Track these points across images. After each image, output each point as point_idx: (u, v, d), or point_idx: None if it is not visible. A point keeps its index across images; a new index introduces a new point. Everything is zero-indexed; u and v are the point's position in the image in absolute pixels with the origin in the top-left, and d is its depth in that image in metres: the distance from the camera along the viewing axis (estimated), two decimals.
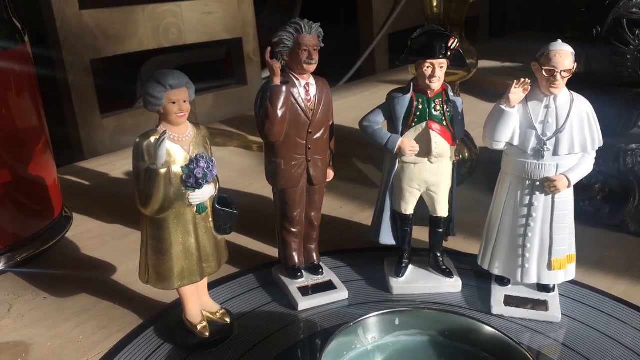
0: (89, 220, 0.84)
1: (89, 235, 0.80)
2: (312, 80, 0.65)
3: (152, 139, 0.54)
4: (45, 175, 0.77)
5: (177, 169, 0.55)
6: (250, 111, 1.45)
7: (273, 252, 0.75)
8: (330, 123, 0.67)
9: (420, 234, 0.71)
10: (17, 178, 0.72)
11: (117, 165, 1.03)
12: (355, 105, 1.24)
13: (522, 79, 0.59)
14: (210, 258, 0.58)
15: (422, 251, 0.71)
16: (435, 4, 0.85)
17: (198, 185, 0.55)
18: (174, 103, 0.54)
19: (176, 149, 0.55)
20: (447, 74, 0.64)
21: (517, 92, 0.59)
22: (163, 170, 0.53)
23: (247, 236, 0.78)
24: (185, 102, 0.55)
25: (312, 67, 0.63)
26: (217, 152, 1.08)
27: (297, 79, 0.64)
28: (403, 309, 0.52)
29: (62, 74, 1.25)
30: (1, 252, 0.71)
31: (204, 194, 0.56)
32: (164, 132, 0.53)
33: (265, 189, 0.91)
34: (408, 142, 0.63)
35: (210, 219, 0.58)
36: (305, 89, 0.64)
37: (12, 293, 0.68)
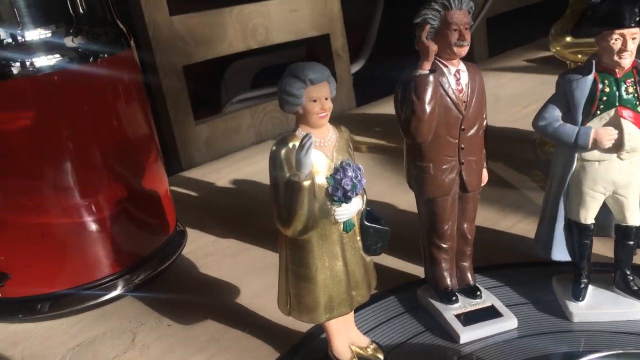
0: (202, 234, 0.76)
1: (205, 251, 0.72)
2: (462, 67, 0.53)
3: (292, 145, 0.44)
4: (158, 187, 0.70)
5: (321, 180, 0.45)
6: (349, 110, 1.36)
7: (413, 269, 0.64)
8: (484, 116, 0.55)
9: (596, 245, 0.58)
10: (132, 191, 0.65)
11: (222, 174, 0.96)
12: None
13: None
14: (360, 284, 0.48)
15: (597, 265, 0.57)
16: None
17: (346, 199, 0.45)
18: (314, 101, 0.44)
19: (319, 156, 0.45)
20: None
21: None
22: (307, 183, 0.43)
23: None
24: (327, 99, 0.45)
25: (464, 50, 0.52)
26: None
27: (446, 66, 0.52)
28: (632, 350, 0.39)
29: (156, 81, 1.21)
30: (118, 275, 0.65)
31: (352, 209, 0.46)
32: (309, 137, 0.43)
33: (385, 193, 0.80)
34: (604, 131, 0.50)
35: (358, 238, 0.48)
36: (456, 77, 0.52)
37: (134, 320, 0.61)
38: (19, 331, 0.61)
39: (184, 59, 1.23)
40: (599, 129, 0.50)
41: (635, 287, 0.54)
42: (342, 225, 0.46)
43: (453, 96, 0.52)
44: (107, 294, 0.63)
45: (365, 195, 0.48)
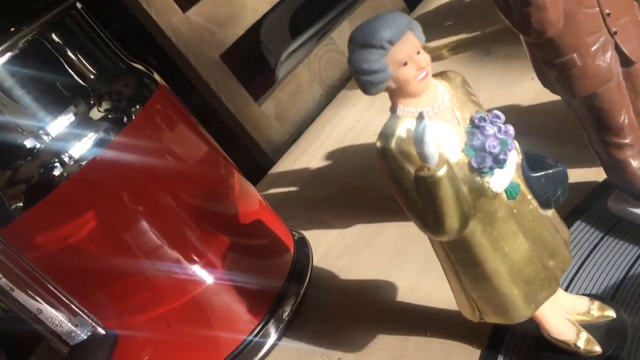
0: (323, 233, 0.66)
1: (336, 252, 0.63)
2: None
3: (401, 132, 0.32)
4: (254, 203, 0.61)
5: (457, 157, 0.33)
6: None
7: (583, 175, 0.50)
8: None
9: None
10: (235, 230, 0.57)
11: (312, 152, 0.86)
12: None
13: None
14: (555, 249, 0.36)
15: None
16: None
17: (500, 164, 0.33)
18: (405, 64, 0.31)
19: (441, 128, 0.32)
20: None
21: None
22: (442, 172, 0.31)
23: None
24: (419, 53, 0.32)
25: None
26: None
27: None
28: None
29: (202, 84, 1.13)
30: (266, 319, 0.57)
31: (509, 170, 0.33)
32: (421, 116, 0.30)
33: (504, 83, 0.65)
34: None
35: (529, 197, 0.35)
36: None
37: None
38: None
39: (217, 47, 1.13)
40: None
41: None
42: (504, 195, 0.34)
43: None
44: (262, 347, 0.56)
45: (515, 142, 0.35)
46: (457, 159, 0.33)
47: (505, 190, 0.34)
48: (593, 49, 0.38)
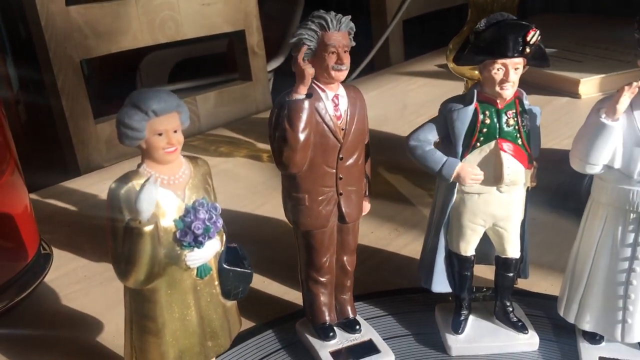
0: (73, 258, 0.67)
1: (73, 278, 0.64)
2: (341, 91, 0.48)
3: (134, 184, 0.37)
4: (13, 204, 0.60)
5: (168, 223, 0.38)
6: (258, 113, 1.29)
7: (296, 296, 0.59)
8: (366, 142, 0.50)
9: (480, 269, 0.55)
10: None
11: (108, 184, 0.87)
12: (374, 103, 1.07)
13: (634, 83, 0.42)
14: (218, 333, 0.42)
15: (478, 290, 0.55)
16: None
17: (198, 244, 0.39)
18: (160, 135, 0.37)
19: (167, 196, 0.38)
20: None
21: (625, 101, 0.42)
22: (149, 228, 0.37)
23: (261, 274, 0.62)
24: (176, 132, 0.38)
25: (343, 75, 0.46)
26: (222, 164, 0.91)
27: (323, 91, 0.47)
28: None
29: (50, 78, 1.09)
30: None
31: (206, 253, 0.40)
32: (149, 178, 0.36)
33: (281, 210, 0.75)
34: (469, 169, 0.47)
35: (217, 283, 0.42)
36: (334, 102, 0.47)
37: None
38: None
39: (82, 52, 1.12)
40: (466, 165, 0.47)
41: (515, 319, 0.52)
42: (195, 271, 0.40)
43: (330, 123, 0.47)
44: None
45: (225, 235, 0.42)
46: (168, 225, 0.38)
47: (198, 269, 0.40)
48: (320, 198, 0.48)
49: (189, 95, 1.31)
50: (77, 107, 1.13)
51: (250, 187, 0.82)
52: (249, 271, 0.42)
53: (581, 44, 1.16)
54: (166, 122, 0.37)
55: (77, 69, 1.12)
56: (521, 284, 0.57)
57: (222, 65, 1.56)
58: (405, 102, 1.09)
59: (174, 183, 0.39)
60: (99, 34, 1.13)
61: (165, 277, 0.39)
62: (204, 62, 1.67)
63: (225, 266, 0.41)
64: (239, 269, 0.42)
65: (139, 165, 0.39)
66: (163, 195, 0.38)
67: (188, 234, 0.38)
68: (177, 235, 0.38)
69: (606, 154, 0.44)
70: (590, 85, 1.02)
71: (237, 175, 0.87)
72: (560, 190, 0.72)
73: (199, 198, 0.39)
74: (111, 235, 0.38)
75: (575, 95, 1.02)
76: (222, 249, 0.41)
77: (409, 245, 0.68)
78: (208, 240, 0.39)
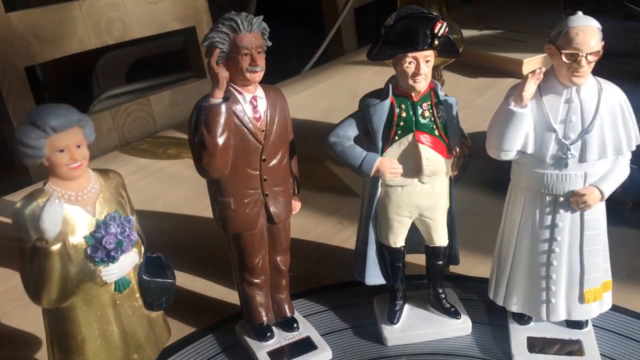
0: (14, 274, 0.66)
1: (12, 295, 0.62)
2: (259, 92, 0.48)
3: (38, 203, 0.37)
4: None
5: (78, 240, 0.38)
6: None
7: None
8: (290, 140, 0.50)
9: (414, 256, 0.55)
10: None
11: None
12: (325, 95, 1.07)
13: (538, 70, 0.43)
14: (143, 345, 0.42)
15: (415, 277, 0.55)
16: None
17: (110, 259, 0.38)
18: (62, 151, 0.37)
19: (75, 212, 0.38)
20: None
21: (531, 88, 0.43)
22: (56, 247, 0.36)
23: (204, 278, 0.62)
24: (79, 147, 0.37)
25: (258, 76, 0.46)
26: (171, 165, 0.90)
27: (240, 93, 0.47)
28: None
29: None
30: None
31: (124, 267, 0.40)
32: (50, 196, 0.35)
33: None
34: (388, 163, 0.47)
35: (138, 295, 0.42)
36: (252, 104, 0.47)
37: None
38: None
39: (26, 59, 1.09)
40: (385, 160, 0.47)
41: (447, 305, 0.53)
42: (113, 286, 0.40)
43: (250, 125, 0.47)
44: None
45: (143, 245, 0.42)
46: (78, 242, 0.38)
47: (115, 283, 0.40)
48: (246, 200, 0.48)
49: (142, 96, 1.29)
50: (24, 114, 1.10)
51: (197, 189, 0.81)
52: (171, 281, 0.42)
53: (525, 24, 1.17)
54: (67, 138, 0.37)
55: (22, 77, 1.09)
56: (459, 268, 0.58)
57: (181, 63, 1.54)
58: (356, 92, 1.09)
59: (82, 199, 0.38)
60: (43, 40, 1.11)
61: (80, 294, 0.38)
62: (162, 60, 1.64)
63: (145, 277, 0.41)
64: (159, 280, 0.42)
65: (44, 183, 0.38)
66: (71, 212, 0.37)
67: (99, 250, 0.38)
68: (89, 252, 0.38)
69: (519, 140, 0.45)
70: (533, 65, 1.02)
71: (184, 177, 0.86)
72: (500, 172, 0.73)
73: (111, 212, 0.39)
74: (20, 256, 0.37)
75: (519, 75, 1.03)
76: (142, 260, 0.41)
77: (352, 238, 0.67)
78: (122, 255, 0.39)
